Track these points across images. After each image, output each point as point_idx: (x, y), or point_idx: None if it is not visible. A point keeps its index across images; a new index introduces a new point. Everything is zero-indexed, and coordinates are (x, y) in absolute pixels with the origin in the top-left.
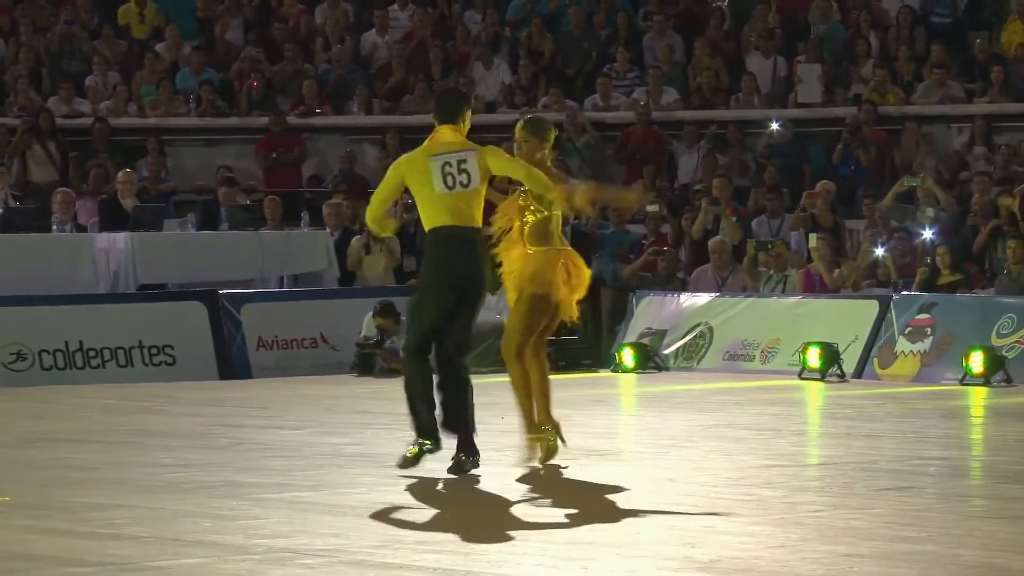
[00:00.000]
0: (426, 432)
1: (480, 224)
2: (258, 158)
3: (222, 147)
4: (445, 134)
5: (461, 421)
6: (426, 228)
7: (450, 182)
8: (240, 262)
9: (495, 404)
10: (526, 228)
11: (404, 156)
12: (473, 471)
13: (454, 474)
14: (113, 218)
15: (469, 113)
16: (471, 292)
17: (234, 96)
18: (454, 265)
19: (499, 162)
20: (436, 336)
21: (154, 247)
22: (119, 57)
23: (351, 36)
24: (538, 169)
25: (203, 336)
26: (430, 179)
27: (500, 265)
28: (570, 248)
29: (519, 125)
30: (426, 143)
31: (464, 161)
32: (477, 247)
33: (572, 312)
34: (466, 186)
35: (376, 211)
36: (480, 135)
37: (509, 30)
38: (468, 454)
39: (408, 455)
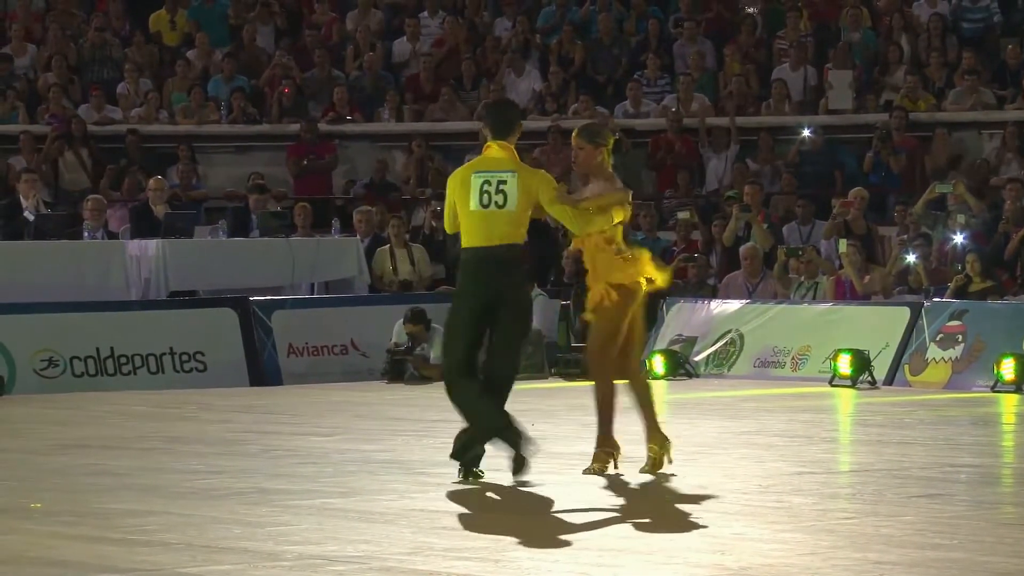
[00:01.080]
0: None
1: (520, 241)
2: (289, 165)
3: (253, 154)
4: (494, 151)
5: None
6: (462, 244)
7: (485, 200)
8: (271, 269)
9: (525, 411)
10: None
11: (456, 170)
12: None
13: (518, 475)
14: (144, 225)
15: (520, 125)
16: (504, 310)
17: (265, 103)
18: (480, 287)
19: (544, 194)
20: (472, 358)
21: (185, 254)
22: (150, 64)
23: (382, 43)
24: (599, 173)
25: (234, 343)
26: (468, 195)
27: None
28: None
29: (574, 133)
30: (476, 159)
31: (504, 182)
32: (508, 265)
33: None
34: (501, 207)
35: (451, 229)
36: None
37: (539, 37)
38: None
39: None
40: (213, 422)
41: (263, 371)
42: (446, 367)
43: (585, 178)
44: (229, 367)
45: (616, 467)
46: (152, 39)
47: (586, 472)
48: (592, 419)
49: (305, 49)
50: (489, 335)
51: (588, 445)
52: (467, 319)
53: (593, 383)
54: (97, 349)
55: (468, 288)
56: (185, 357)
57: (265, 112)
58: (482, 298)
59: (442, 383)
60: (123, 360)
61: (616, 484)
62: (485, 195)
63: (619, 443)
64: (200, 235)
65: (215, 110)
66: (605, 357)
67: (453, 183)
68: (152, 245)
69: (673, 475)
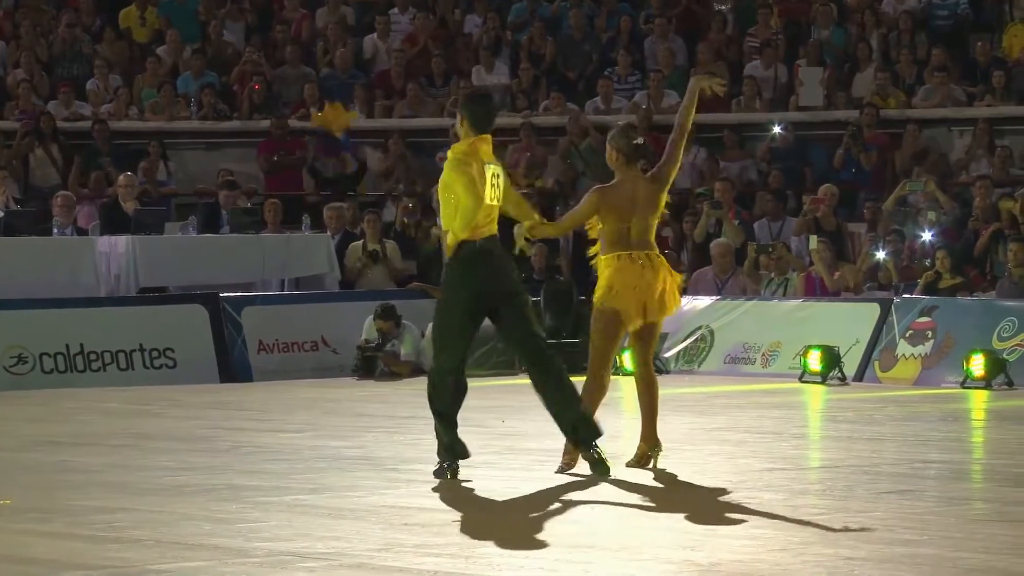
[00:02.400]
0: (452, 452)
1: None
2: (259, 161)
3: (223, 150)
4: (489, 144)
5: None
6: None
7: (493, 194)
8: (241, 265)
9: (495, 408)
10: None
11: (472, 160)
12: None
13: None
14: (114, 221)
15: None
16: (515, 297)
17: (235, 99)
18: (487, 278)
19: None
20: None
21: (155, 250)
22: (120, 60)
23: (352, 39)
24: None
25: (204, 339)
26: (485, 187)
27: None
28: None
29: (608, 137)
30: (477, 150)
31: (498, 176)
32: (508, 256)
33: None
34: (499, 200)
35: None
36: None
37: (510, 33)
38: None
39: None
40: (183, 419)
41: (233, 368)
42: (447, 367)
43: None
44: (199, 364)
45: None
46: (122, 35)
47: (629, 465)
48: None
49: (275, 45)
50: (500, 332)
51: (558, 441)
52: (474, 311)
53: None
54: (67, 346)
55: (476, 278)
56: (155, 354)
57: (235, 108)
58: (488, 288)
59: (411, 379)
60: (93, 357)
61: (587, 481)
62: (494, 188)
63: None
64: (170, 231)
65: (185, 106)
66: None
67: (475, 171)
68: (122, 241)
69: (647, 471)
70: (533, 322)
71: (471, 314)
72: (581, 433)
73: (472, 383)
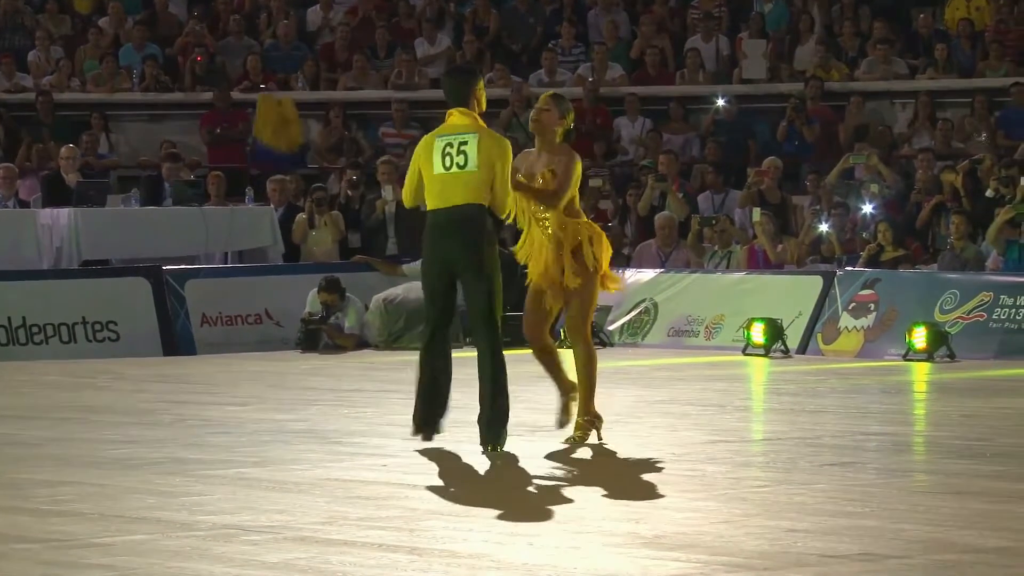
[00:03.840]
0: (419, 425)
1: (480, 201)
2: (202, 133)
3: (166, 123)
4: (455, 117)
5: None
6: (427, 208)
7: (447, 163)
8: (184, 238)
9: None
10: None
11: (423, 137)
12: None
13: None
14: (56, 194)
15: (479, 89)
16: (466, 273)
17: (178, 71)
18: (436, 250)
19: (499, 161)
20: (444, 324)
21: (97, 223)
22: (62, 32)
23: (295, 12)
24: (551, 143)
25: (147, 312)
26: (431, 158)
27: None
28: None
29: (545, 95)
30: (441, 126)
31: (465, 143)
32: (464, 226)
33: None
34: (462, 167)
35: (410, 202)
36: (427, 111)
37: (453, 5)
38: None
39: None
40: (126, 392)
41: (176, 341)
42: (421, 335)
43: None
44: (142, 337)
45: (600, 437)
46: (64, 7)
47: (567, 441)
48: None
49: (218, 17)
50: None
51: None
52: (434, 284)
53: (574, 352)
54: (9, 318)
55: (427, 252)
56: (98, 327)
57: (178, 80)
58: (440, 262)
59: (355, 352)
60: (35, 329)
61: (530, 454)
62: (447, 157)
63: (600, 413)
64: (112, 204)
65: (127, 78)
66: (587, 326)
67: (419, 150)
68: (64, 214)
69: (588, 444)
70: (476, 306)
71: (430, 287)
72: (484, 433)
73: (418, 356)
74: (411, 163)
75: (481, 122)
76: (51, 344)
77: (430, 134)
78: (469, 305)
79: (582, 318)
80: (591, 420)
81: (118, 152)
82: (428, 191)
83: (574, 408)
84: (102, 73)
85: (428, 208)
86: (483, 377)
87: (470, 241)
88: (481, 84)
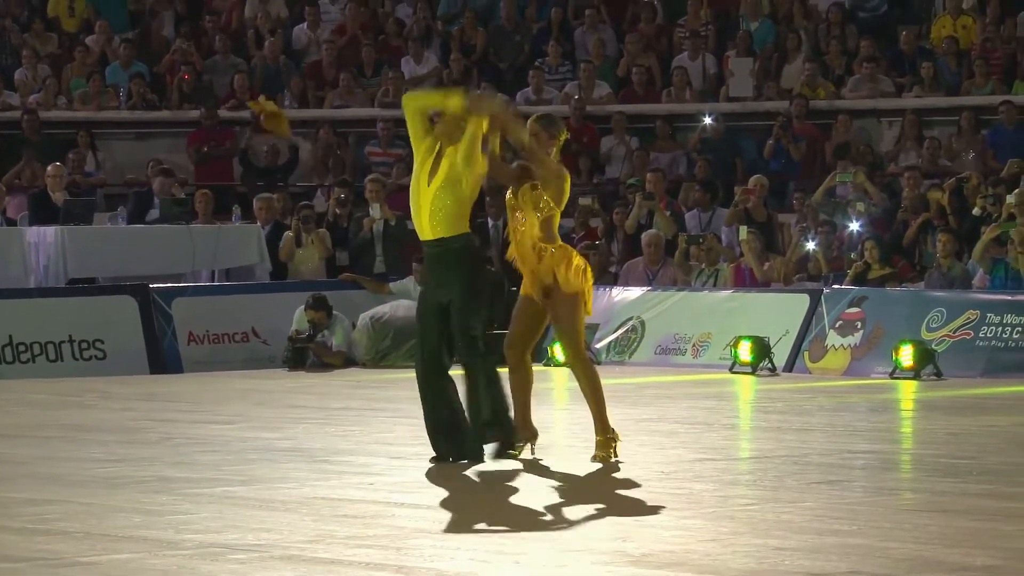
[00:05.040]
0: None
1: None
2: (189, 152)
3: (153, 140)
4: (442, 125)
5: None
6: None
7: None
8: (171, 256)
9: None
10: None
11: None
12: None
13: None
14: (43, 212)
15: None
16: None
17: (165, 89)
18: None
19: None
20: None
21: (84, 241)
22: (49, 50)
23: (283, 30)
24: (548, 165)
25: (134, 330)
26: None
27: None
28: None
29: (531, 119)
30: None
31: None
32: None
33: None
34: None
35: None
36: None
37: (441, 24)
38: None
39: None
40: (113, 410)
41: (163, 359)
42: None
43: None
44: (129, 355)
45: (616, 454)
46: (51, 25)
47: (594, 460)
48: None
49: (205, 35)
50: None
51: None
52: (419, 313)
53: (576, 376)
54: None
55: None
56: (85, 345)
57: (165, 98)
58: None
59: (342, 370)
60: (22, 348)
61: (517, 472)
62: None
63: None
64: (99, 222)
65: (114, 96)
66: (579, 345)
67: None
68: (51, 232)
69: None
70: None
71: (421, 315)
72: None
73: (405, 374)
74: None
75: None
76: (38, 362)
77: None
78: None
79: (571, 337)
80: (611, 437)
81: (105, 170)
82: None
83: (522, 450)
84: (89, 91)
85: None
86: (480, 390)
87: (460, 273)
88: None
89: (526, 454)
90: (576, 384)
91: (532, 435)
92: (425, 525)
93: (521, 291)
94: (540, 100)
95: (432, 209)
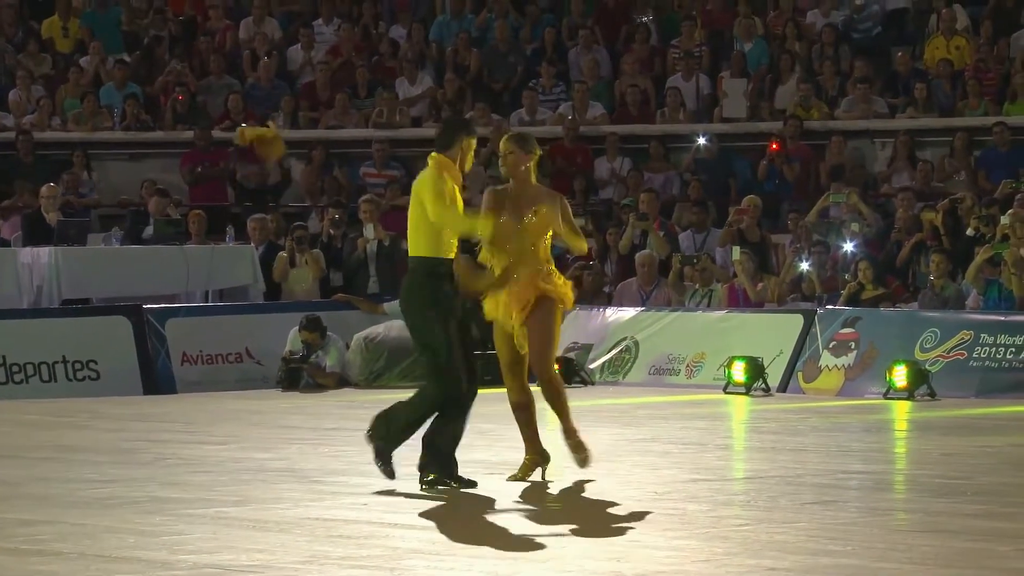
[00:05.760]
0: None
1: (419, 252)
2: (183, 172)
3: (147, 161)
4: (428, 162)
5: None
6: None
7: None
8: (165, 277)
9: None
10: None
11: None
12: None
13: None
14: (37, 232)
15: (464, 141)
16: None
17: (159, 110)
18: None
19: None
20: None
21: (78, 262)
22: (43, 71)
23: (277, 51)
24: (524, 181)
25: (127, 351)
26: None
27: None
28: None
29: (504, 138)
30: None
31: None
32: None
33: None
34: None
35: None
36: (409, 150)
37: (435, 46)
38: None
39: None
40: (106, 431)
41: (157, 379)
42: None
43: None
44: (122, 375)
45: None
46: (45, 46)
47: (511, 479)
48: (487, 426)
49: (200, 56)
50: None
51: (482, 453)
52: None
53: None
54: None
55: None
56: (78, 365)
57: (159, 119)
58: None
59: (336, 391)
60: (15, 369)
61: (511, 492)
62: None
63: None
64: (94, 242)
65: (108, 117)
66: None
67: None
68: (45, 253)
69: (550, 482)
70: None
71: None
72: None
73: (399, 394)
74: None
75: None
76: (31, 383)
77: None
78: None
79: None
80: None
81: (99, 191)
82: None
83: (535, 473)
84: (83, 112)
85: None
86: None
87: (406, 289)
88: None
89: (536, 476)
90: (572, 404)
91: (544, 458)
92: (419, 546)
93: (496, 318)
94: (534, 121)
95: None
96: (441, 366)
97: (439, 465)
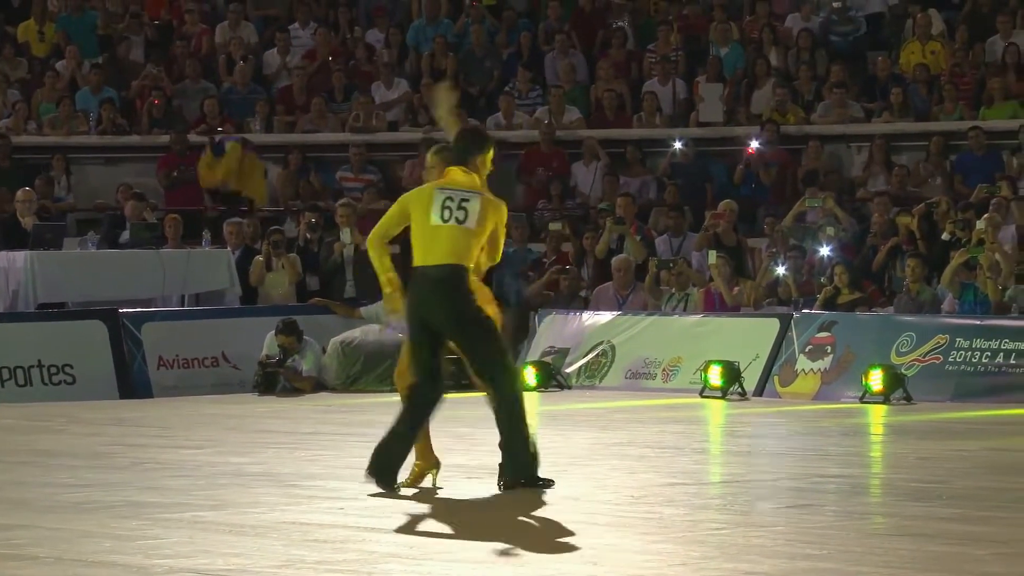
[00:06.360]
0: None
1: (468, 263)
2: (159, 176)
3: (123, 165)
4: (456, 174)
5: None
6: (413, 262)
7: (447, 215)
8: (141, 280)
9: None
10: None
11: (415, 188)
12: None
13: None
14: (12, 237)
15: (485, 156)
16: (446, 328)
17: (135, 114)
18: (418, 307)
19: (499, 223)
20: (432, 373)
21: (54, 266)
22: (19, 75)
23: (253, 55)
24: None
25: (103, 355)
26: (430, 209)
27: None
28: None
29: (430, 153)
30: (441, 180)
31: (467, 200)
32: (446, 284)
33: None
34: (461, 222)
35: (378, 242)
36: (385, 154)
37: (411, 51)
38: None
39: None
40: (82, 435)
41: (133, 383)
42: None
43: None
44: (98, 380)
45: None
46: (21, 50)
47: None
48: (464, 430)
49: (176, 60)
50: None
51: (462, 457)
52: (414, 344)
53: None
54: None
55: (409, 309)
56: (54, 370)
57: (135, 123)
58: (418, 317)
59: (312, 395)
60: None
61: (488, 497)
62: (447, 210)
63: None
64: (69, 247)
65: (84, 121)
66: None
67: (414, 197)
68: (20, 257)
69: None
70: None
71: (415, 337)
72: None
73: (376, 398)
74: (397, 206)
75: (480, 184)
76: (7, 387)
77: (429, 185)
78: (471, 362)
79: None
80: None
81: (74, 195)
82: (418, 242)
83: (425, 478)
84: (59, 116)
85: (414, 263)
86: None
87: (449, 297)
88: (491, 153)
89: (427, 482)
90: (542, 409)
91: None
92: (395, 550)
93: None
94: (510, 125)
95: (438, 234)
96: (509, 366)
97: (513, 468)
